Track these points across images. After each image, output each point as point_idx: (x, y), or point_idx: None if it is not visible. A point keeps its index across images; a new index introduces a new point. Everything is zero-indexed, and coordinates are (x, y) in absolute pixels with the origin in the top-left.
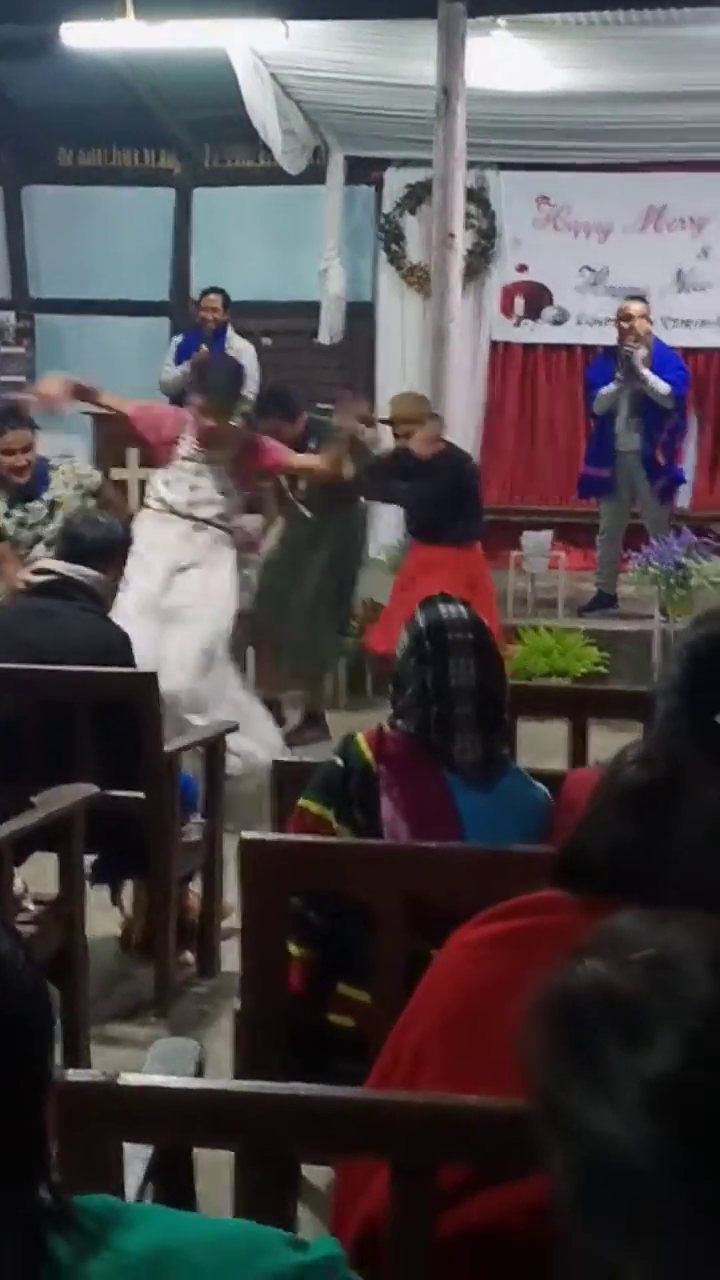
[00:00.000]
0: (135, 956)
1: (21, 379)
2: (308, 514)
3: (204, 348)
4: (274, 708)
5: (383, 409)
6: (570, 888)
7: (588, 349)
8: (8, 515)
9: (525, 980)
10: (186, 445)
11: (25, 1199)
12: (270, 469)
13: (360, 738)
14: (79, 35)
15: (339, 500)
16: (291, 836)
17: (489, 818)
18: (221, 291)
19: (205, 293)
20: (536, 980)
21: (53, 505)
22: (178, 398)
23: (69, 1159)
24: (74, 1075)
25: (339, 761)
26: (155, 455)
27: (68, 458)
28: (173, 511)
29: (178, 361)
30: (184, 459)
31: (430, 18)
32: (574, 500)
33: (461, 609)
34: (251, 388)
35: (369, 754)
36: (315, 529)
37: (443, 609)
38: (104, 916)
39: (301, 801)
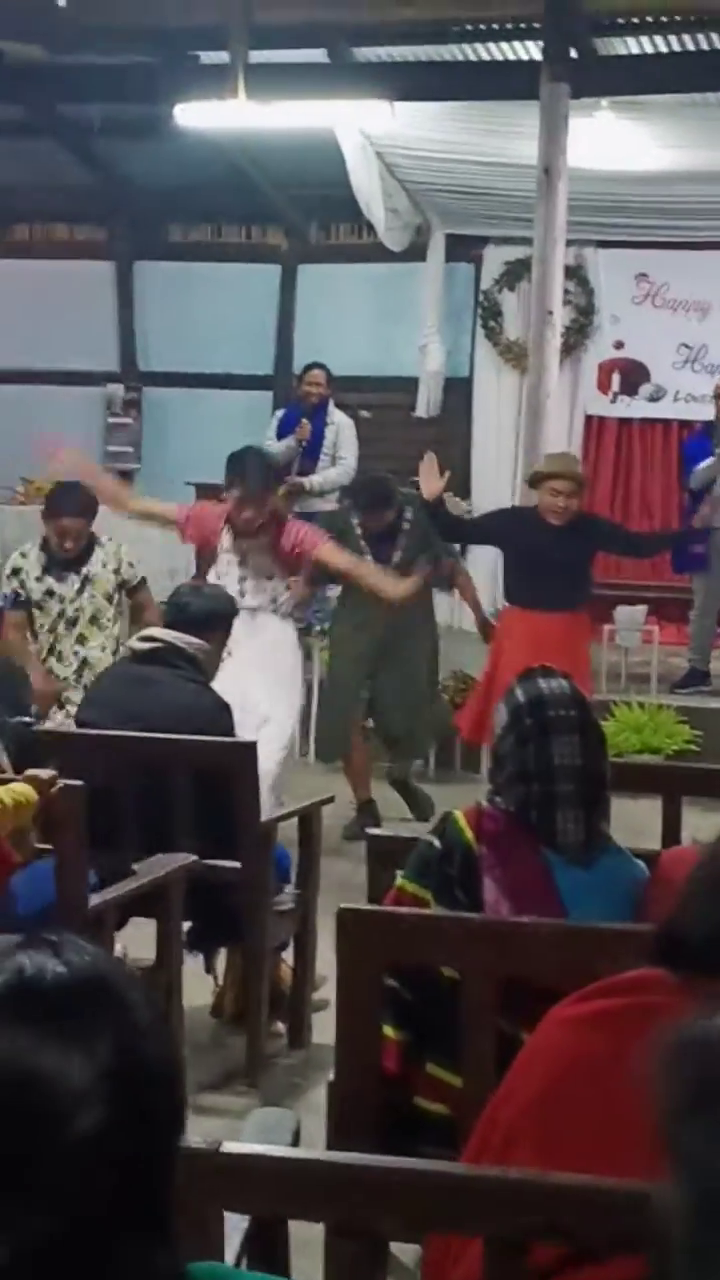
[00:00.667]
0: (227, 1026)
1: (129, 449)
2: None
3: (304, 422)
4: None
5: (477, 484)
6: (669, 967)
7: (684, 425)
8: (39, 579)
9: (623, 1059)
10: (226, 538)
11: (151, 1264)
12: (291, 554)
13: (458, 816)
14: (193, 115)
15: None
16: (389, 908)
17: (589, 896)
18: (324, 367)
19: (308, 368)
20: (634, 1060)
21: (85, 581)
22: (281, 472)
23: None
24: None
25: (436, 843)
26: (202, 554)
27: (115, 541)
28: None
29: (279, 435)
30: (226, 551)
31: (533, 99)
32: (668, 575)
33: (564, 682)
34: (350, 462)
35: (469, 833)
36: (350, 620)
37: (543, 683)
38: (198, 985)
39: (399, 882)
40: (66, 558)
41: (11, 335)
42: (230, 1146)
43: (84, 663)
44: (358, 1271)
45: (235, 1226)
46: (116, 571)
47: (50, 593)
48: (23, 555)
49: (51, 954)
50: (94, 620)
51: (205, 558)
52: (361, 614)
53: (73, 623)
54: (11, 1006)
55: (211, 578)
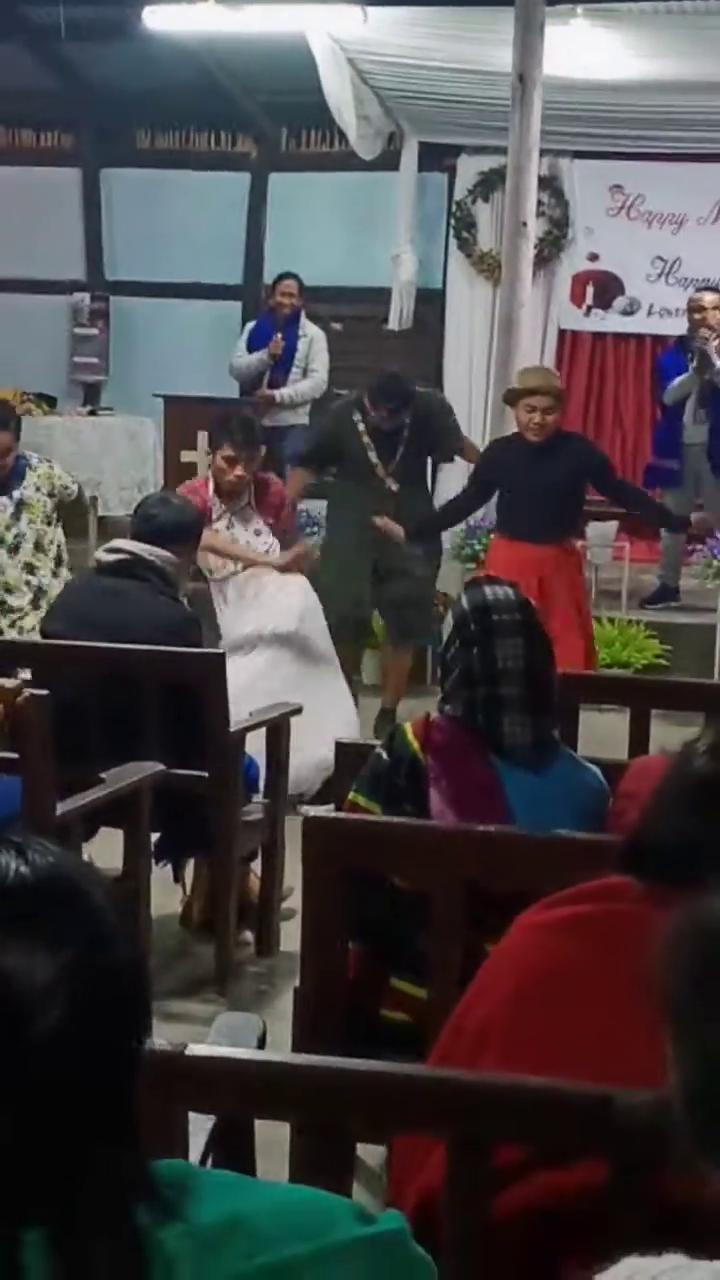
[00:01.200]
0: (196, 934)
1: (95, 360)
2: (394, 487)
3: (278, 337)
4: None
5: (450, 396)
6: (637, 875)
7: (657, 339)
8: None
9: (594, 965)
10: (215, 507)
11: (119, 1165)
12: (277, 504)
13: (407, 728)
14: (161, 18)
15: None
16: (354, 816)
17: (539, 803)
18: (296, 277)
19: (280, 277)
20: (605, 966)
21: (19, 505)
22: (249, 385)
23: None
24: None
25: (384, 755)
26: None
27: (47, 461)
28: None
29: (250, 347)
30: (217, 520)
31: (508, 5)
32: None
33: (509, 589)
34: (322, 375)
35: (416, 745)
36: (398, 500)
37: (488, 590)
38: (166, 894)
39: (350, 795)
40: None
41: None
42: (195, 1049)
43: (39, 591)
44: (323, 1171)
45: (200, 1127)
46: (51, 494)
47: None
48: None
49: (15, 854)
50: (38, 546)
51: None
52: (364, 504)
53: (14, 549)
54: None
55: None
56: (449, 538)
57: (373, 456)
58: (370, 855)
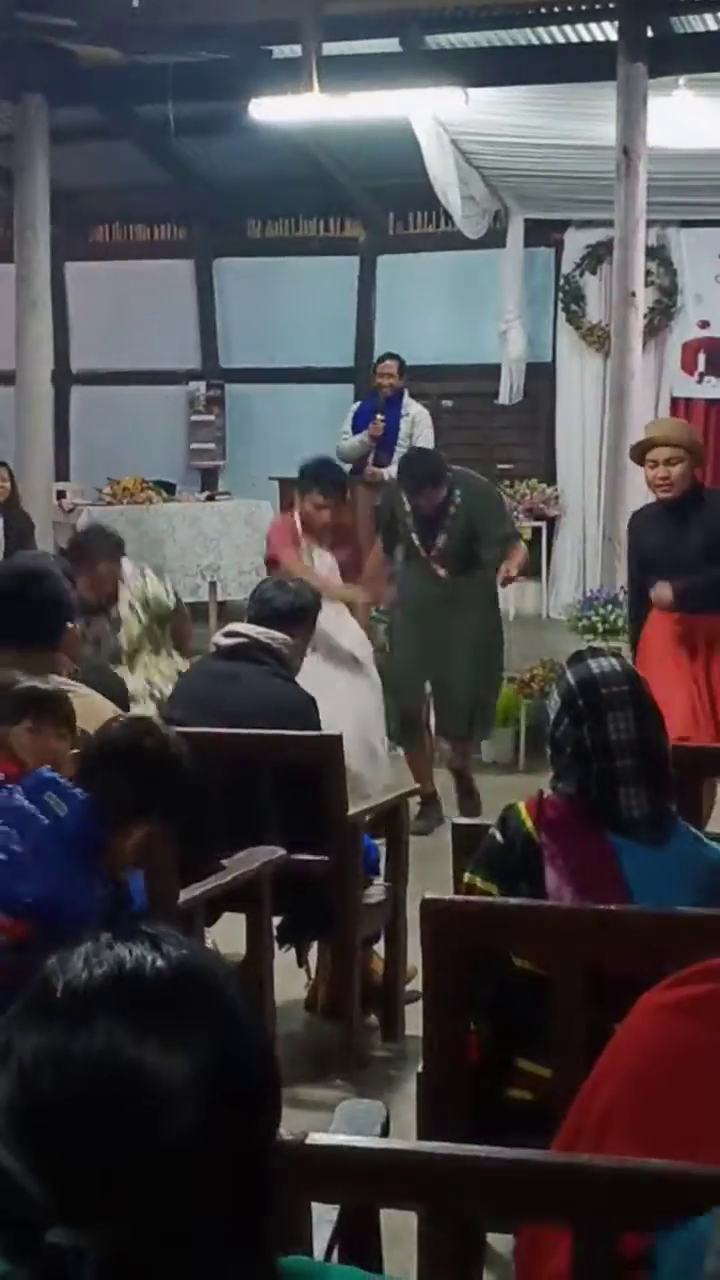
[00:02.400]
0: (321, 1019)
1: (212, 446)
2: (441, 572)
3: (378, 419)
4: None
5: (563, 470)
6: None
7: None
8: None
9: (712, 1046)
10: (305, 545)
11: (246, 1262)
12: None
13: (520, 807)
14: (266, 110)
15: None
16: (472, 898)
17: (658, 878)
18: (397, 357)
19: (381, 359)
20: None
21: (117, 623)
22: (356, 465)
23: None
24: None
25: (498, 835)
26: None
27: (144, 575)
28: None
29: (355, 429)
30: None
31: (610, 79)
32: None
33: (614, 661)
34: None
35: (530, 823)
36: (448, 588)
37: (593, 664)
38: (291, 979)
39: (467, 877)
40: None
41: (96, 336)
42: (316, 1138)
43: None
44: (452, 1261)
45: (325, 1217)
46: (146, 607)
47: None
48: None
49: (150, 947)
50: (136, 652)
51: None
52: (421, 599)
53: (115, 659)
54: (112, 999)
55: None
56: (565, 609)
57: (416, 539)
58: (489, 936)
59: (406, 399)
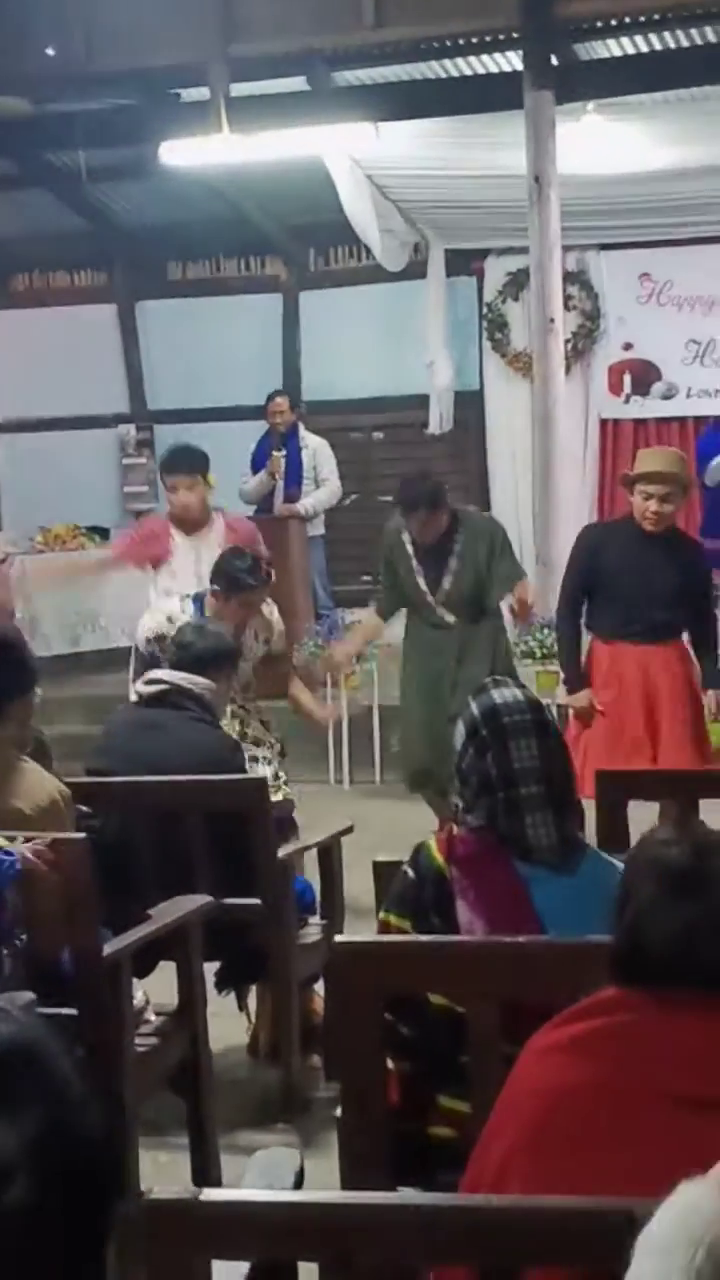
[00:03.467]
0: (264, 1063)
1: (144, 489)
2: (449, 619)
3: (275, 455)
4: None
5: (495, 497)
6: (631, 984)
7: (700, 421)
8: None
9: (602, 1081)
10: (177, 539)
11: None
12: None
13: (431, 843)
14: (178, 154)
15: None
16: (384, 937)
17: (570, 909)
18: (286, 393)
19: (271, 396)
20: (614, 1080)
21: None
22: (266, 504)
23: (158, 1277)
24: (157, 1193)
25: (410, 872)
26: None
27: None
28: None
29: (255, 468)
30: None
31: (518, 108)
32: None
33: (517, 691)
34: (334, 481)
35: (439, 859)
36: (459, 637)
37: (495, 694)
38: (233, 1024)
39: (381, 915)
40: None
41: (21, 384)
42: (210, 1194)
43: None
44: None
45: (236, 1272)
46: (267, 642)
47: None
48: (171, 620)
49: None
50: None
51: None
52: (429, 651)
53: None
54: None
55: (166, 580)
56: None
57: (421, 582)
58: (401, 974)
59: (303, 432)
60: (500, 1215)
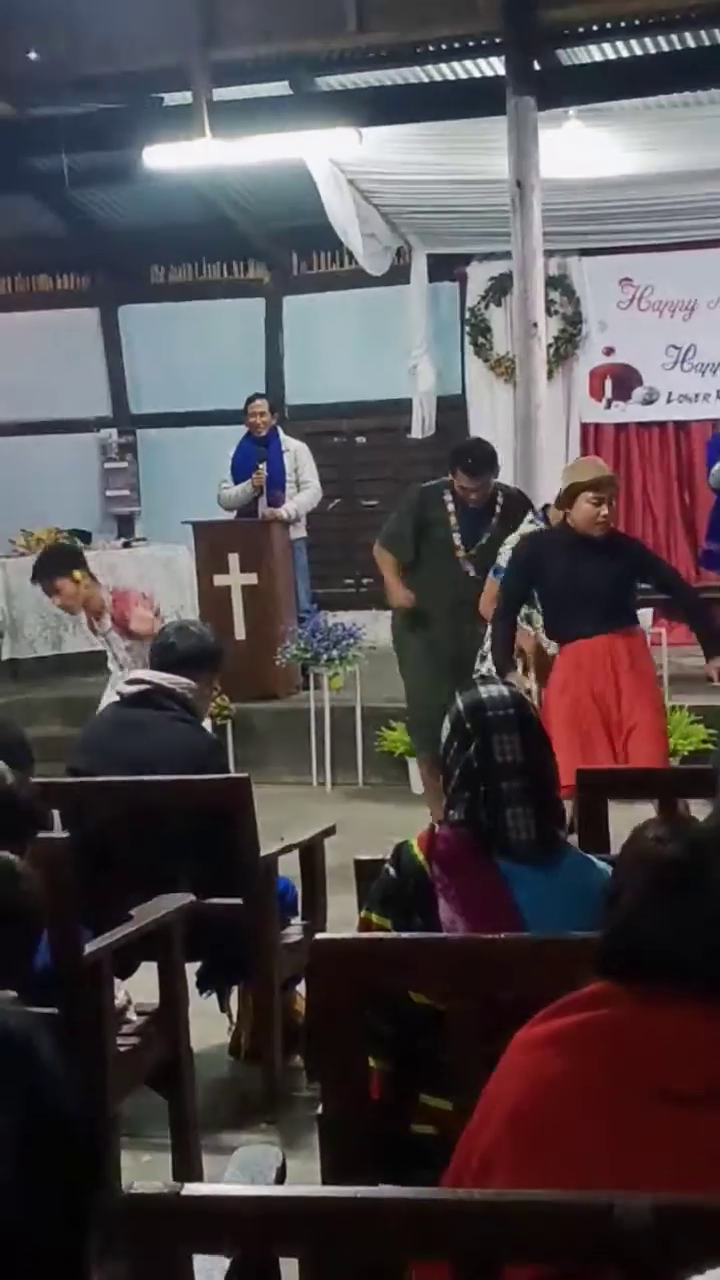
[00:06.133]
0: (246, 1063)
1: (126, 492)
2: (472, 572)
3: (260, 469)
4: None
5: None
6: (618, 979)
7: (679, 426)
8: None
9: (585, 1075)
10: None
11: None
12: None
13: (413, 841)
14: (160, 158)
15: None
16: (365, 935)
17: (551, 906)
18: (265, 396)
19: (250, 399)
20: (597, 1074)
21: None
22: (248, 510)
23: (139, 1272)
24: (138, 1187)
25: (392, 871)
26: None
27: None
28: None
29: (235, 471)
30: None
31: (500, 114)
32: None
33: (502, 688)
34: (315, 484)
35: (421, 857)
36: (474, 592)
37: (481, 691)
38: (214, 1025)
39: (363, 913)
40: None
41: (3, 388)
42: (191, 1188)
43: None
44: None
45: (217, 1266)
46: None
47: None
48: None
49: None
50: None
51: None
52: (428, 630)
53: None
54: None
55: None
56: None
57: (456, 538)
58: (381, 973)
59: (283, 436)
60: (482, 1208)
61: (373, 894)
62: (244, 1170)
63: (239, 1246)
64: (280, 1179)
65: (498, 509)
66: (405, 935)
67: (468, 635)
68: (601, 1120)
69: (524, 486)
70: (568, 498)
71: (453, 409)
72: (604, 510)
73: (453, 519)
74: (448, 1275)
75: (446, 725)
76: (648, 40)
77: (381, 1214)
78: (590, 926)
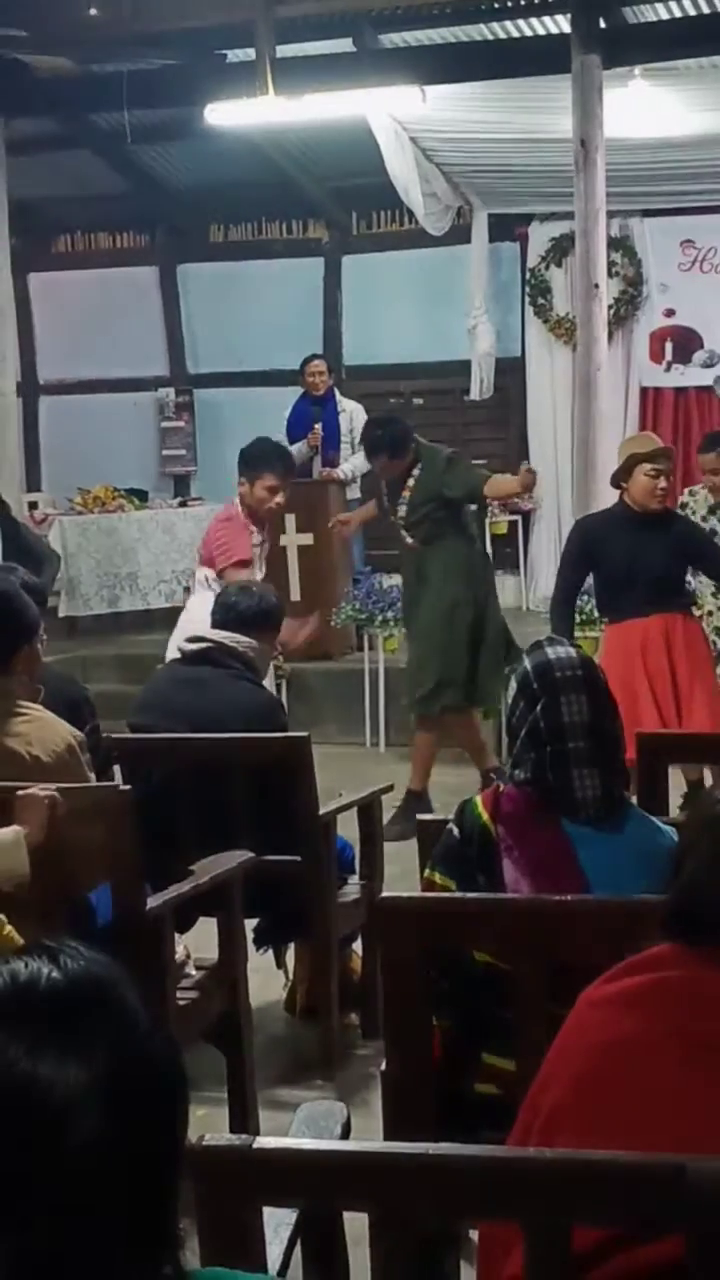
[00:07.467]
0: (301, 1020)
1: (183, 452)
2: (409, 540)
3: (316, 428)
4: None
5: (535, 463)
6: (683, 940)
7: None
8: None
9: (651, 1036)
10: (255, 536)
11: (155, 1271)
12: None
13: (477, 800)
14: (222, 115)
15: (446, 528)
16: (429, 894)
17: (614, 865)
18: (323, 356)
19: (308, 359)
20: (662, 1035)
21: None
22: (305, 469)
23: (208, 1223)
24: (210, 1140)
25: (455, 830)
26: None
27: None
28: None
29: (290, 430)
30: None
31: (565, 72)
32: None
33: (569, 648)
34: None
35: (485, 816)
36: (418, 558)
37: (549, 650)
38: (270, 981)
39: (426, 873)
40: None
41: (62, 346)
42: (262, 1141)
43: None
44: (403, 1261)
45: (283, 1221)
46: None
47: None
48: None
49: (47, 960)
50: None
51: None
52: (405, 567)
53: None
54: (4, 1014)
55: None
56: (544, 601)
57: (386, 502)
58: (446, 932)
59: (339, 396)
60: (553, 1168)
61: (436, 854)
62: (309, 1125)
63: (308, 1199)
64: (345, 1134)
65: (411, 480)
66: (470, 895)
67: (419, 601)
68: (669, 1081)
69: (582, 449)
70: (624, 470)
71: (511, 371)
72: (662, 482)
73: (384, 489)
74: (516, 1235)
75: (512, 685)
76: None
77: (451, 1171)
78: (654, 888)
